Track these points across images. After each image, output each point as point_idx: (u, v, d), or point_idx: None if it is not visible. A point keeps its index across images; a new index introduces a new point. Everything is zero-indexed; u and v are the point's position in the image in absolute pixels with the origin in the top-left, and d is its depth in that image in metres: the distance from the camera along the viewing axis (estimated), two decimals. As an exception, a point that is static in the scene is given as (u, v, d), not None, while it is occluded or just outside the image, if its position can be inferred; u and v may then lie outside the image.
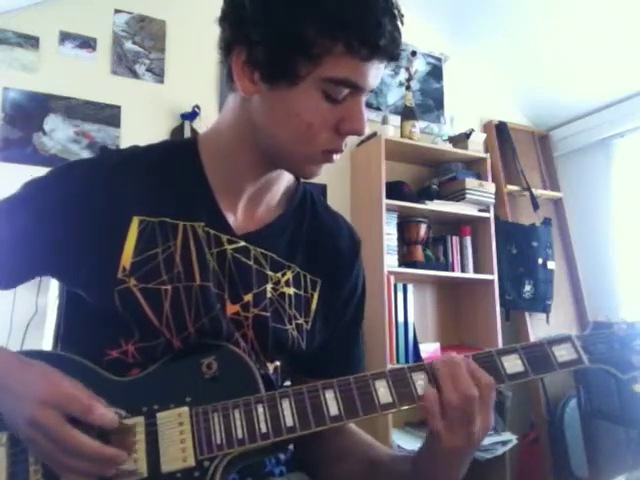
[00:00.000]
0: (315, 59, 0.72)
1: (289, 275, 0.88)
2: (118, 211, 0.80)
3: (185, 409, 0.73)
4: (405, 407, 0.75)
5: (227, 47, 0.78)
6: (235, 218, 0.86)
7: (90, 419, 0.66)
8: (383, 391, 0.74)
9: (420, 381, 0.75)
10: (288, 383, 0.96)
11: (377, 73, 0.76)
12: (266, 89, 0.75)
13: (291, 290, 0.87)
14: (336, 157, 0.81)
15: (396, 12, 0.74)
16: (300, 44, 0.71)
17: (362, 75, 0.74)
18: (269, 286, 0.85)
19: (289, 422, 0.71)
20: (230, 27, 0.77)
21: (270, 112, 0.77)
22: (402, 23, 0.75)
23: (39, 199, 0.81)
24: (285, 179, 0.91)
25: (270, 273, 0.86)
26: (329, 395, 0.73)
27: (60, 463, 0.66)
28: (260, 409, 0.72)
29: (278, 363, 0.90)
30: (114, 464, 0.68)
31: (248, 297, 0.83)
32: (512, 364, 0.77)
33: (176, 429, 0.71)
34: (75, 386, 0.68)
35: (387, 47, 0.73)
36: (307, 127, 0.76)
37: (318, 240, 0.93)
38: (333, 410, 0.73)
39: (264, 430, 0.71)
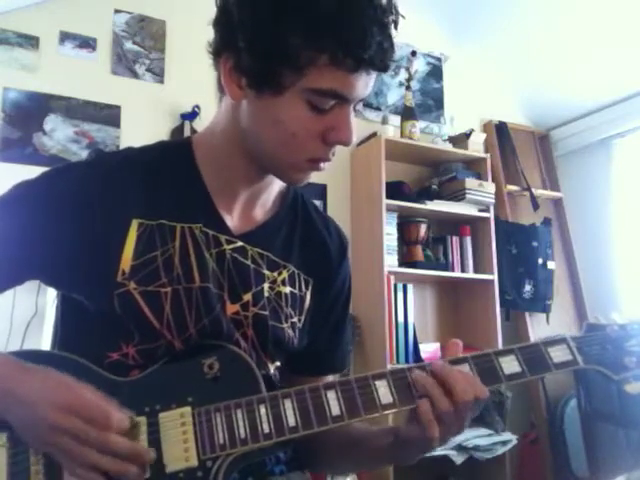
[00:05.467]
0: (299, 70, 0.71)
1: (285, 274, 0.89)
2: (116, 214, 0.80)
3: (187, 409, 0.73)
4: (406, 408, 0.75)
5: (216, 52, 0.78)
6: (232, 219, 0.86)
7: (109, 426, 0.66)
8: (384, 391, 0.75)
9: None
10: None
11: (366, 83, 0.75)
12: (253, 95, 0.75)
13: (287, 289, 0.88)
14: (323, 166, 0.80)
15: (388, 20, 0.73)
16: (284, 54, 0.71)
17: (348, 86, 0.73)
18: (266, 285, 0.86)
19: (291, 422, 0.72)
20: (219, 32, 0.77)
21: (256, 118, 0.77)
22: (396, 28, 0.74)
23: (31, 200, 0.80)
24: (279, 180, 0.91)
25: (267, 272, 0.87)
26: (331, 395, 0.74)
27: (87, 462, 0.66)
28: (262, 409, 0.72)
29: (279, 363, 0.91)
30: (143, 460, 0.68)
31: (247, 296, 0.84)
32: (509, 365, 0.78)
33: (178, 429, 0.72)
34: (89, 391, 0.68)
35: (374, 58, 0.71)
36: (291, 136, 0.76)
37: (310, 240, 0.94)
38: (335, 410, 0.73)
39: (267, 430, 0.71)
